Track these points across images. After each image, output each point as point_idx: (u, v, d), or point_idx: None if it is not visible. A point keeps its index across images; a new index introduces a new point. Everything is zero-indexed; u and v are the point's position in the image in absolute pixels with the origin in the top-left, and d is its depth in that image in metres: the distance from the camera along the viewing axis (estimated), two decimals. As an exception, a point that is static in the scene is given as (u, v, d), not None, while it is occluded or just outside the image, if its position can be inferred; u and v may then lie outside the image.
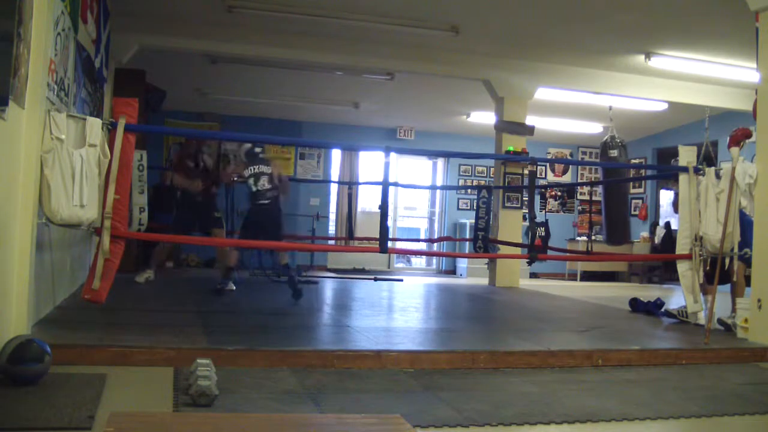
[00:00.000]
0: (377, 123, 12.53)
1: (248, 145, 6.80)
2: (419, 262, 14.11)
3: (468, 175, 13.51)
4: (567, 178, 13.91)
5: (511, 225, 9.13)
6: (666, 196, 12.62)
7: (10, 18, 3.10)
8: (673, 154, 6.06)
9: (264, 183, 6.48)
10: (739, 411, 3.30)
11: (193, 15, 7.65)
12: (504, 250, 8.66)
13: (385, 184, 5.40)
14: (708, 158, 6.08)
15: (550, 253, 7.99)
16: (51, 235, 4.46)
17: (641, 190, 13.26)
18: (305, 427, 2.24)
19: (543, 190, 11.44)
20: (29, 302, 3.73)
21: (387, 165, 5.40)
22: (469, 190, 13.01)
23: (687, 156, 5.66)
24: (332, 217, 12.85)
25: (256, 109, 11.48)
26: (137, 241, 7.76)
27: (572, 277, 12.91)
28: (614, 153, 7.83)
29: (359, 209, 12.31)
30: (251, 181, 6.48)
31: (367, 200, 12.85)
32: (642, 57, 8.36)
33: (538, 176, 12.39)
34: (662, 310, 6.37)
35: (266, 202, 6.48)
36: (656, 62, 8.41)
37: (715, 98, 9.35)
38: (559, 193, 13.93)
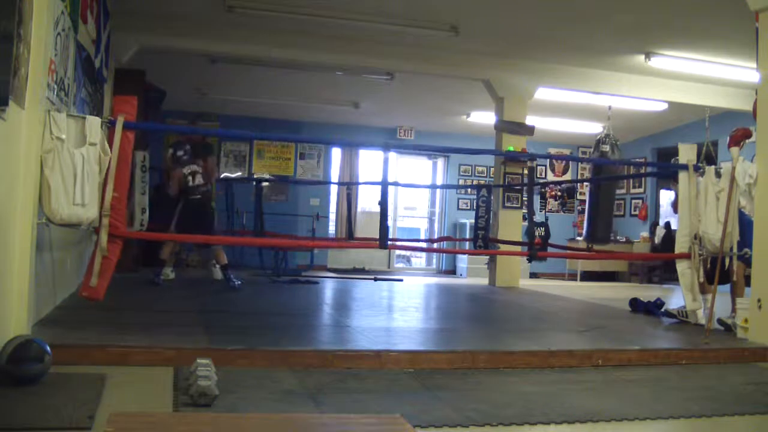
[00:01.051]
0: (377, 123, 12.52)
1: (171, 151, 7.61)
2: (419, 262, 14.12)
3: (468, 174, 13.51)
4: (567, 179, 13.91)
5: (510, 225, 9.13)
6: (666, 196, 12.61)
7: (10, 18, 3.10)
8: (673, 154, 6.06)
9: (198, 179, 7.25)
10: (739, 411, 3.29)
11: (193, 15, 7.65)
12: (504, 249, 8.65)
13: (385, 182, 5.40)
14: (708, 158, 6.08)
15: (549, 250, 7.98)
16: (51, 235, 4.46)
17: (641, 190, 13.25)
18: (305, 427, 2.24)
19: (543, 189, 11.44)
20: (29, 302, 3.73)
21: (386, 161, 5.42)
22: (469, 190, 13.01)
23: (687, 154, 5.64)
24: (332, 217, 12.85)
25: (256, 109, 11.48)
26: (137, 241, 7.77)
27: (572, 277, 12.91)
28: (606, 148, 7.82)
29: (359, 209, 12.31)
30: (189, 178, 7.23)
31: (367, 200, 12.85)
32: (642, 57, 8.36)
33: (538, 176, 12.40)
34: (662, 310, 6.37)
35: (198, 196, 7.22)
36: (656, 62, 8.41)
37: (715, 98, 9.35)
38: (559, 193, 13.93)
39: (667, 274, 11.44)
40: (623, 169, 11.24)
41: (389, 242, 5.68)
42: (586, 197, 8.21)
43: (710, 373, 4.23)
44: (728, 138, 5.94)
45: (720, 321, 5.52)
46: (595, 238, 8.10)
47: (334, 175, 12.77)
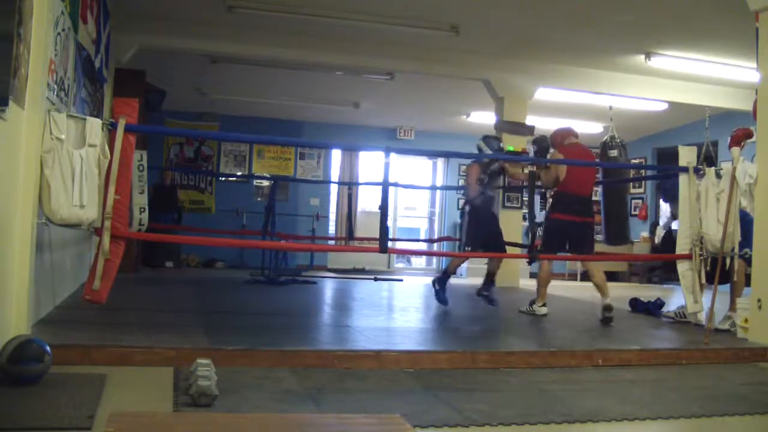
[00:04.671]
0: (377, 123, 12.52)
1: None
2: (419, 262, 14.10)
3: (468, 175, 13.49)
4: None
5: (511, 225, 9.11)
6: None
7: (10, 18, 3.10)
8: (673, 154, 6.05)
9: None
10: (739, 411, 3.30)
11: (193, 15, 7.64)
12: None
13: (385, 185, 5.40)
14: (708, 158, 6.08)
15: (550, 253, 7.95)
16: (51, 235, 4.46)
17: (641, 190, 13.24)
18: (305, 427, 2.24)
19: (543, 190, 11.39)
20: (29, 302, 3.73)
21: (387, 165, 5.40)
22: (469, 190, 12.99)
23: (687, 156, 5.65)
24: (332, 217, 12.85)
25: (256, 109, 11.48)
26: (137, 241, 7.76)
27: (572, 277, 12.91)
28: (614, 153, 7.80)
29: (359, 209, 12.31)
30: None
31: (367, 200, 12.84)
32: (642, 57, 8.36)
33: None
34: (661, 310, 6.36)
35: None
36: (656, 62, 8.40)
37: (715, 98, 9.34)
38: (559, 193, 13.88)
39: (667, 274, 11.43)
40: (629, 170, 11.21)
41: (389, 245, 5.65)
42: (600, 201, 8.18)
43: (710, 373, 4.23)
44: (729, 138, 5.93)
45: (716, 330, 5.47)
46: (614, 241, 8.09)
47: (334, 174, 12.77)
